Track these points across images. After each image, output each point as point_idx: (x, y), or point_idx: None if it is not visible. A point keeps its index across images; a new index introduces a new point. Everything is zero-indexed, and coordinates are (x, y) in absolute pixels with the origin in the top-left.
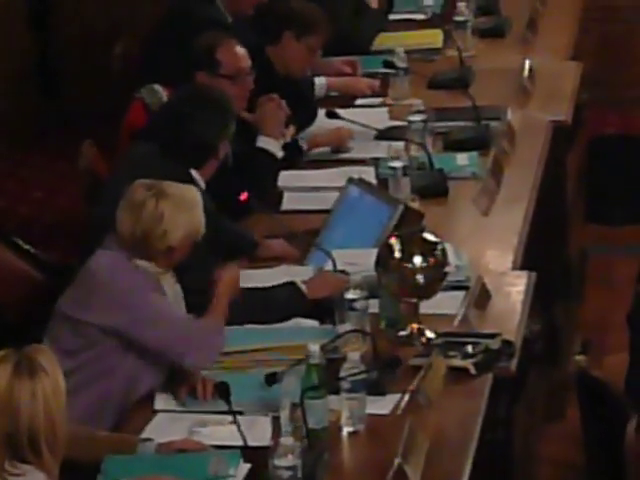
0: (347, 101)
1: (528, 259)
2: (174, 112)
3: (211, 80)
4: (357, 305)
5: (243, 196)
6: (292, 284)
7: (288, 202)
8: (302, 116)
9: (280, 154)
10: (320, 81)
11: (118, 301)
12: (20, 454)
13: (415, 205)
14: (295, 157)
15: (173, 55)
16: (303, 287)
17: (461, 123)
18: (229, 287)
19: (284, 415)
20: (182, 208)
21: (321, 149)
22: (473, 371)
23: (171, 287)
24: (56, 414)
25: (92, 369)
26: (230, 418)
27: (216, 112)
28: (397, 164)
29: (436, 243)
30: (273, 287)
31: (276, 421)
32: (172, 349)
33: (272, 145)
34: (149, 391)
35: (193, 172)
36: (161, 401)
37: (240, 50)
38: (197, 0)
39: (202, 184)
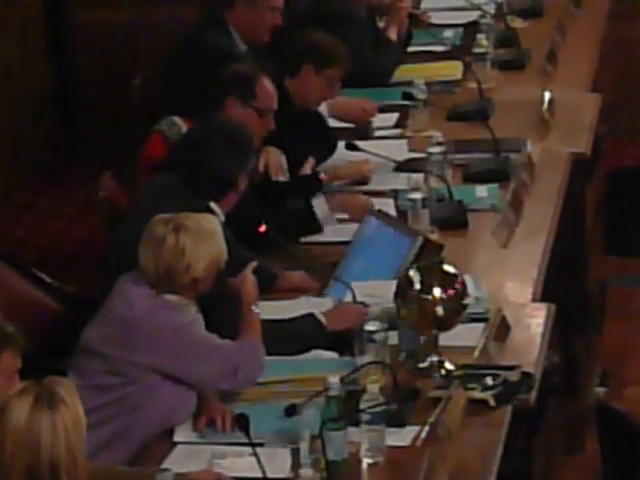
0: (366, 133)
1: (547, 291)
2: (195, 144)
3: (241, 108)
4: (376, 337)
5: (262, 228)
6: (311, 316)
7: (319, 210)
8: (321, 148)
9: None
10: (321, 107)
11: (164, 342)
12: None
13: (434, 237)
14: (315, 189)
15: (187, 86)
16: (322, 319)
17: (480, 155)
18: (252, 298)
19: (304, 447)
20: (202, 239)
21: (341, 181)
22: (492, 403)
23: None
24: (76, 446)
25: (122, 404)
26: (250, 450)
27: (237, 145)
28: (416, 196)
29: (455, 275)
30: (292, 319)
31: (295, 453)
32: (221, 380)
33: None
34: (182, 421)
35: (212, 205)
36: (180, 433)
37: (273, 90)
38: (210, 30)
39: (222, 217)
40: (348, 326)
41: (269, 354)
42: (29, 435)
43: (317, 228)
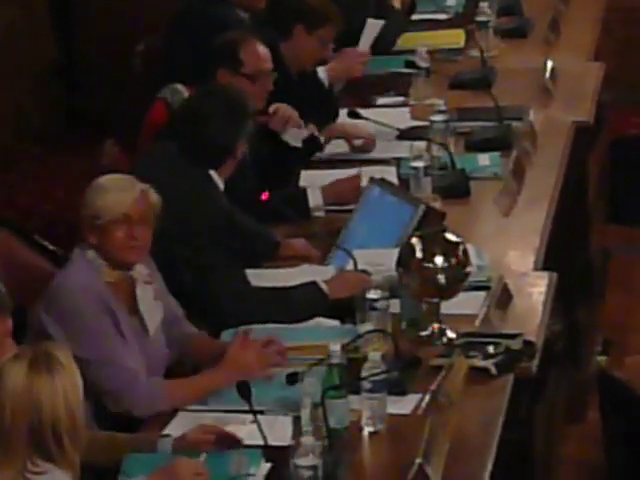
0: (369, 100)
1: (549, 260)
2: (192, 112)
3: (232, 78)
4: (378, 305)
5: (264, 196)
6: (313, 284)
7: (312, 199)
8: (322, 115)
9: (299, 144)
10: (322, 73)
11: (70, 324)
12: (44, 449)
13: (436, 205)
14: (314, 151)
15: (189, 55)
16: (324, 287)
17: (483, 123)
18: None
19: (305, 415)
20: (107, 191)
21: (341, 149)
22: (494, 371)
23: (146, 301)
24: (75, 407)
25: None
26: (251, 417)
27: (233, 112)
28: (419, 164)
29: (457, 243)
30: (294, 287)
31: (297, 421)
32: (110, 393)
33: (292, 138)
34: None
35: (212, 172)
36: None
37: (263, 50)
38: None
39: (221, 184)
40: (350, 294)
41: (271, 321)
42: (29, 399)
43: (305, 216)
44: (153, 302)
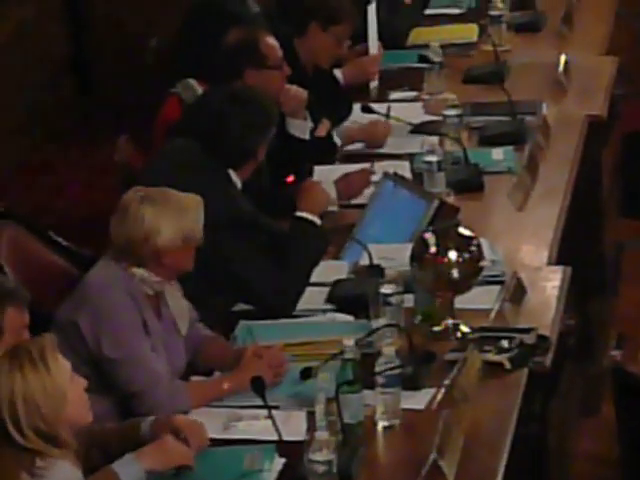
0: (382, 96)
1: (563, 254)
2: (216, 111)
3: (260, 74)
4: (392, 300)
5: (290, 178)
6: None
7: None
8: (337, 111)
9: (306, 136)
10: (337, 74)
11: (102, 321)
12: (15, 442)
13: (450, 200)
14: (329, 152)
15: (201, 50)
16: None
17: (496, 118)
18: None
19: (319, 410)
20: (167, 211)
21: (356, 144)
22: (508, 366)
23: (176, 301)
24: (39, 398)
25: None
26: (265, 413)
27: (259, 115)
28: (432, 158)
29: (471, 238)
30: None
31: (311, 416)
32: (134, 396)
33: (298, 130)
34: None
35: (231, 172)
36: None
37: (274, 39)
38: None
39: (239, 184)
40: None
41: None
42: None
43: None
44: (182, 302)
